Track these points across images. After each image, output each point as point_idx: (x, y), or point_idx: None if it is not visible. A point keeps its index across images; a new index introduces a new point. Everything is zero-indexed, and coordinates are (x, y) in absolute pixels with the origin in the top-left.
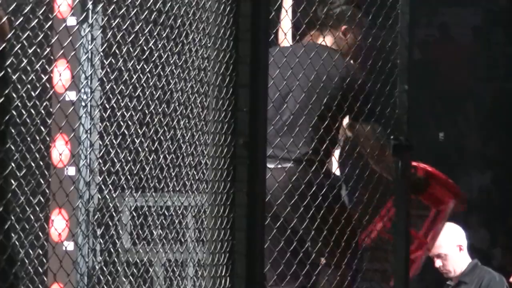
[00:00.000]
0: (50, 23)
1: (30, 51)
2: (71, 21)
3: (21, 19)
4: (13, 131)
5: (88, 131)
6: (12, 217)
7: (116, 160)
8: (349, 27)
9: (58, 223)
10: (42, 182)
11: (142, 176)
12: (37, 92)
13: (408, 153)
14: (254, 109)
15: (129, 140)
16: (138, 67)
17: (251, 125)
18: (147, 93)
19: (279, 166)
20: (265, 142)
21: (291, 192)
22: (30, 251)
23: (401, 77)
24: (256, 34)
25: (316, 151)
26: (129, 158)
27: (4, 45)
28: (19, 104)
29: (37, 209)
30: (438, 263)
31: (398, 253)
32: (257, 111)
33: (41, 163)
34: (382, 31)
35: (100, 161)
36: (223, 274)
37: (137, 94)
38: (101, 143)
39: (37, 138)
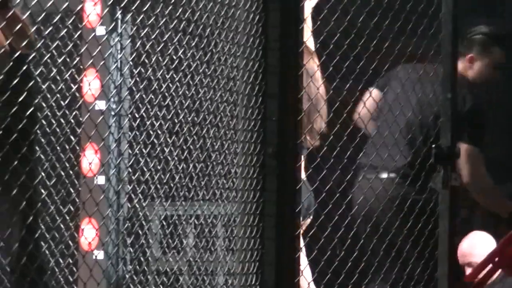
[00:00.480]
0: (79, 32)
1: (59, 60)
2: (100, 30)
3: (50, 28)
4: (43, 140)
5: (118, 140)
6: (42, 226)
7: (145, 169)
8: (477, 56)
9: (88, 232)
10: (72, 191)
11: (172, 185)
12: (66, 102)
13: (452, 161)
14: (283, 118)
15: (158, 149)
16: (168, 76)
17: (280, 135)
18: (177, 102)
19: (379, 176)
20: (295, 151)
21: (389, 204)
22: (60, 260)
23: (444, 85)
24: (285, 43)
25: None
26: (159, 167)
27: (32, 53)
28: (49, 114)
29: (67, 218)
30: (469, 272)
31: (441, 263)
32: (286, 121)
33: (71, 172)
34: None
35: (130, 170)
36: (252, 283)
37: (166, 103)
38: (130, 152)
39: (67, 147)
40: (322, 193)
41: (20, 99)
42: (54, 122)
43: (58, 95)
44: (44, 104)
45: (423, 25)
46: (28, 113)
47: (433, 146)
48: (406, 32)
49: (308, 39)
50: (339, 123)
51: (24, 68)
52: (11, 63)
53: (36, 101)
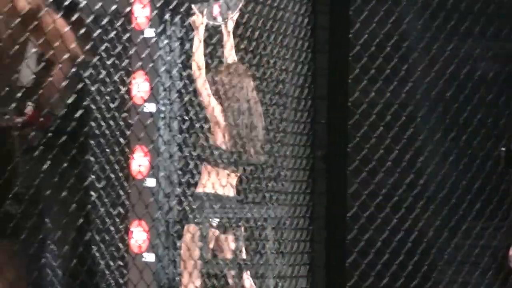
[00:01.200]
0: (128, 35)
1: (108, 62)
2: (149, 32)
3: (99, 31)
4: (92, 142)
5: (167, 143)
6: (92, 229)
7: (195, 172)
8: None
9: (138, 235)
10: (122, 193)
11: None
12: (116, 104)
13: None
14: (332, 121)
15: (208, 152)
16: (217, 79)
17: (330, 138)
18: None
19: None
20: (344, 154)
21: None
22: (111, 263)
23: None
24: (334, 46)
25: None
26: None
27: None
28: (98, 116)
29: (117, 220)
30: None
31: None
32: (335, 123)
33: (121, 174)
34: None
35: (180, 173)
36: (302, 286)
37: None
38: (180, 154)
39: (116, 149)
40: None
41: (71, 101)
42: (103, 124)
43: (107, 97)
44: (93, 106)
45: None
46: (78, 115)
47: (503, 149)
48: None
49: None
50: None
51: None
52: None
53: (86, 103)
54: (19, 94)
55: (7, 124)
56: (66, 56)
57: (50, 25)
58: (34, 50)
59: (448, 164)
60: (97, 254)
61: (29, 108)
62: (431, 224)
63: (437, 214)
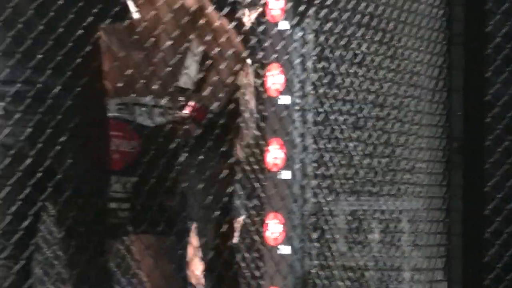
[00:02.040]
0: (262, 27)
1: (244, 55)
2: (283, 25)
3: (233, 23)
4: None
5: (302, 135)
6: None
7: (330, 164)
8: None
9: (274, 227)
10: (257, 185)
11: (357, 180)
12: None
13: None
14: (468, 113)
15: (342, 144)
16: (351, 71)
17: (466, 130)
18: (360, 97)
19: None
20: (480, 146)
21: None
22: (246, 255)
23: None
24: (469, 38)
25: None
26: (343, 162)
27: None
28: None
29: (253, 212)
30: None
31: None
32: (471, 115)
33: (256, 166)
34: None
35: (315, 165)
36: (439, 279)
37: (350, 98)
38: (315, 146)
39: (252, 142)
40: None
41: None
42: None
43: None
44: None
45: None
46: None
47: None
48: None
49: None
50: None
51: None
52: None
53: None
54: (185, 88)
55: (173, 119)
56: (230, 52)
57: (215, 22)
58: (198, 48)
59: None
60: (234, 246)
61: (193, 103)
62: None
63: None
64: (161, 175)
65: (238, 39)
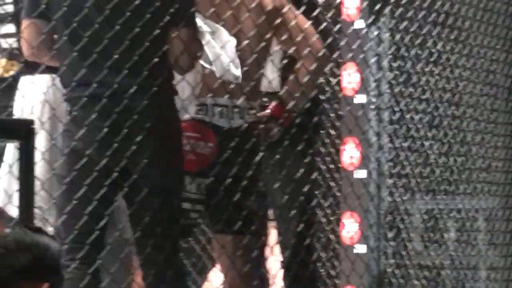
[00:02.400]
0: (338, 26)
1: (320, 54)
2: (359, 24)
3: (309, 22)
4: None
5: (378, 134)
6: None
7: (406, 163)
8: None
9: (350, 226)
10: (333, 184)
11: (433, 179)
12: (326, 95)
13: None
14: None
15: (418, 143)
16: (427, 70)
17: None
18: (436, 95)
19: None
20: None
21: None
22: (322, 254)
23: None
24: None
25: None
26: (419, 161)
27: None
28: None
29: (328, 212)
30: None
31: None
32: None
33: (332, 166)
34: None
35: (390, 164)
36: None
37: (426, 96)
38: (391, 145)
39: (327, 141)
40: None
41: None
42: (322, 116)
43: (317, 89)
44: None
45: None
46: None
47: None
48: None
49: None
50: None
51: None
52: None
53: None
54: (266, 85)
55: (255, 119)
56: (308, 51)
57: (293, 21)
58: (277, 47)
59: None
60: (312, 246)
61: (274, 103)
62: None
63: None
64: (237, 175)
65: (318, 38)
